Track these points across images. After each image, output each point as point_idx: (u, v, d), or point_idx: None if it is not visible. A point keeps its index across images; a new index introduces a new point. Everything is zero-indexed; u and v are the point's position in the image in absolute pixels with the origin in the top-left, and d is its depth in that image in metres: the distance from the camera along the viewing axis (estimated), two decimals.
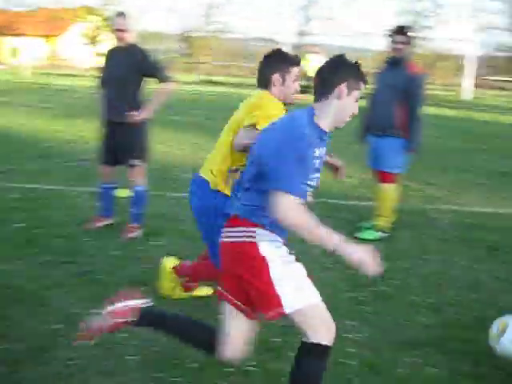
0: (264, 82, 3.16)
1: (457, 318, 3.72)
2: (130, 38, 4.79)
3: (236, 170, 3.13)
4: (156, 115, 4.99)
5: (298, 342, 2.39)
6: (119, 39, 4.81)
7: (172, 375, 2.86)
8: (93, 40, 39.29)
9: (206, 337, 2.57)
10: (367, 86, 2.47)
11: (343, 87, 2.31)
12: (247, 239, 2.34)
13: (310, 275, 2.39)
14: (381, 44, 26.27)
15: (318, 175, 2.43)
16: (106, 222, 5.09)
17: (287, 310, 2.30)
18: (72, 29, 44.31)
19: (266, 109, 3.00)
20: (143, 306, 2.63)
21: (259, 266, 2.31)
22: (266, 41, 39.63)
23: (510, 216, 6.44)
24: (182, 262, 3.75)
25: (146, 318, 2.61)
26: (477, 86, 31.15)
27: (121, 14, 4.82)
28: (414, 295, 4.03)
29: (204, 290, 3.85)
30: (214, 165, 3.22)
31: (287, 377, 2.43)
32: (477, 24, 31.82)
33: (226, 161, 3.18)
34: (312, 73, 22.62)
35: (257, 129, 2.90)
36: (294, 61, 3.16)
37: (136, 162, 4.86)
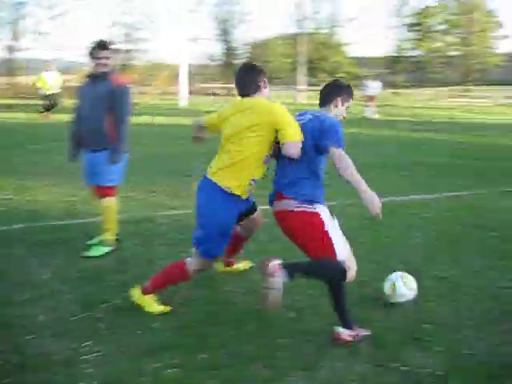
0: None
1: (188, 314, 3.90)
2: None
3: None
4: None
5: None
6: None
7: None
8: None
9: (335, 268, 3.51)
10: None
11: (339, 100, 3.75)
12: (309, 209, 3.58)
13: None
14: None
15: None
16: None
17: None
18: None
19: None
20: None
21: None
22: None
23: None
24: None
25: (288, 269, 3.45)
26: (191, 93, 33.09)
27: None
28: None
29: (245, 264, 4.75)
30: (238, 180, 3.70)
31: None
32: (189, 35, 33.78)
33: (253, 173, 3.71)
34: (53, 89, 21.04)
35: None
36: None
37: None
